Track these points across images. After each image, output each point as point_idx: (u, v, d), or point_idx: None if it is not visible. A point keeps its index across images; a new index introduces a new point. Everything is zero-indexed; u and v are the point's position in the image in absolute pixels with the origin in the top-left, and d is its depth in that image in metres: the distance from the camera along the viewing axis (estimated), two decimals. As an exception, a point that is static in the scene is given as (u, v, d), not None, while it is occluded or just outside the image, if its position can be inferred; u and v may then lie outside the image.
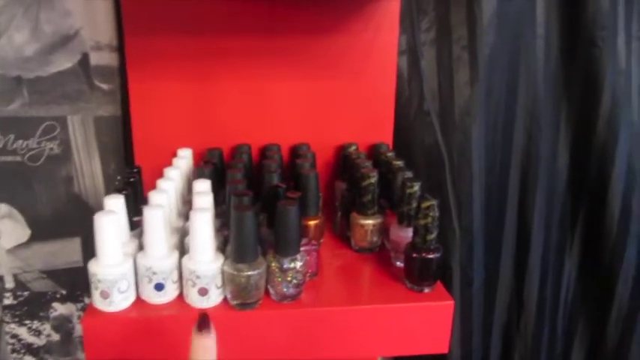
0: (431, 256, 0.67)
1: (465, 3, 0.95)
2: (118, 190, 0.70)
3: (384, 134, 0.94)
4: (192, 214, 0.62)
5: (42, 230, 1.01)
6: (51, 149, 0.98)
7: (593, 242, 1.05)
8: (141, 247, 0.67)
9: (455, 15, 0.96)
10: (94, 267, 0.62)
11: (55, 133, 0.97)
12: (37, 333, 1.06)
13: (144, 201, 0.75)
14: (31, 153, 0.97)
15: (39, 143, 0.97)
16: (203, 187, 0.71)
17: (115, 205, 0.65)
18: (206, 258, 0.63)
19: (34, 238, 1.01)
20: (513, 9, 0.96)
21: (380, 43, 0.91)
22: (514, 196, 1.04)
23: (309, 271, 0.70)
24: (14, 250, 1.01)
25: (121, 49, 0.93)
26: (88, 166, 0.99)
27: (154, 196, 0.67)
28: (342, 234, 0.83)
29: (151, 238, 0.63)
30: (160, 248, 0.63)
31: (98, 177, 1.00)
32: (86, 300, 1.06)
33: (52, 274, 1.03)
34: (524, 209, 1.04)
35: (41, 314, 1.05)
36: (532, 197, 1.03)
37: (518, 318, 1.11)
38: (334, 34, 0.89)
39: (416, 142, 0.99)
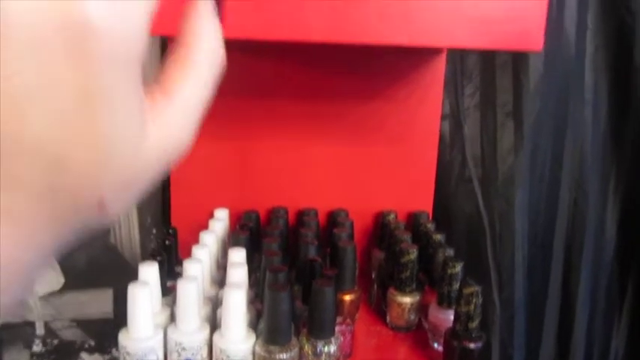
0: (472, 345, 0.63)
1: (511, 69, 0.93)
2: (153, 256, 0.69)
3: (424, 202, 0.92)
4: (226, 291, 0.60)
5: (76, 279, 1.01)
6: (90, 200, 0.98)
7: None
8: (172, 317, 0.66)
9: (500, 81, 0.94)
10: (124, 339, 0.60)
11: (94, 184, 0.98)
12: (64, 382, 1.05)
13: (179, 262, 0.74)
14: (70, 203, 0.98)
15: (79, 193, 0.97)
16: (238, 258, 0.69)
17: (149, 273, 0.65)
18: (237, 337, 0.61)
19: (67, 287, 1.01)
20: (560, 75, 0.94)
21: (423, 109, 0.90)
22: (558, 267, 0.99)
23: (344, 352, 0.67)
24: (47, 297, 1.01)
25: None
26: (125, 219, 1.00)
27: (188, 266, 0.66)
28: (378, 308, 0.81)
29: (183, 312, 0.62)
30: (192, 323, 0.62)
31: (134, 229, 1.00)
32: (114, 352, 1.05)
33: (82, 323, 1.03)
34: (568, 282, 1.00)
35: (68, 363, 1.05)
36: (577, 269, 0.99)
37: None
38: (377, 99, 0.88)
39: (457, 209, 0.96)
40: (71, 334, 1.03)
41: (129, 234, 1.00)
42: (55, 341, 1.03)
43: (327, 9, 0.53)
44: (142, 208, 0.99)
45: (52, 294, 1.01)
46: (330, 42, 0.53)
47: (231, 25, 0.53)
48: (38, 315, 1.02)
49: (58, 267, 1.00)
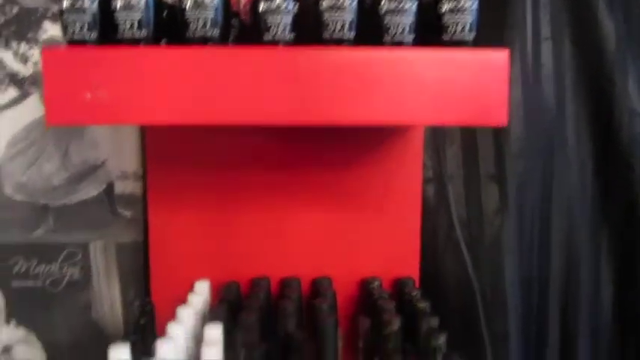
0: None
1: (492, 132, 0.93)
2: (125, 336, 0.67)
3: (409, 267, 0.90)
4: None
5: (57, 357, 0.98)
6: (72, 275, 0.97)
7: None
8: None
9: (481, 143, 0.94)
10: None
11: (76, 259, 0.96)
12: None
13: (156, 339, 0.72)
14: (52, 278, 0.96)
15: (60, 269, 0.96)
16: (213, 335, 0.67)
17: (120, 355, 0.62)
18: (210, 421, 0.58)
19: (49, 365, 0.98)
20: (543, 136, 0.93)
21: (403, 173, 0.89)
22: (555, 335, 0.96)
23: None
24: (28, 376, 0.98)
25: (145, 177, 0.94)
26: (108, 293, 0.98)
27: (161, 348, 0.64)
28: (364, 381, 0.77)
29: (152, 397, 0.59)
30: (162, 408, 0.59)
31: (117, 304, 0.98)
32: None
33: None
34: (567, 349, 0.96)
35: None
36: (574, 335, 0.95)
37: None
38: (355, 165, 0.88)
39: (446, 274, 0.94)
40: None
41: (111, 308, 0.98)
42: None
43: (286, 92, 0.53)
44: (125, 281, 0.97)
45: (33, 373, 0.98)
46: (291, 124, 0.53)
47: (196, 112, 0.54)
48: (18, 396, 0.98)
49: (39, 344, 0.97)
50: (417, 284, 0.89)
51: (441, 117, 0.54)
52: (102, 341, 0.97)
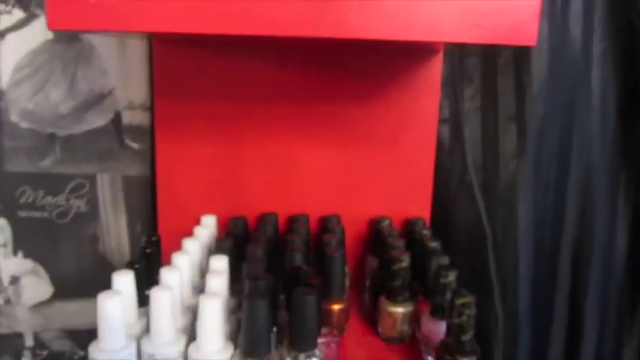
0: (465, 359, 0.59)
1: (513, 71, 0.89)
2: (130, 264, 0.66)
3: (421, 208, 0.88)
4: (202, 300, 0.57)
5: (65, 289, 0.98)
6: (78, 207, 0.96)
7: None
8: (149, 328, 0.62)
9: (502, 83, 0.90)
10: (93, 351, 0.57)
11: (83, 191, 0.95)
12: (53, 394, 1.02)
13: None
14: (59, 210, 0.95)
15: (67, 200, 0.95)
16: (219, 265, 0.66)
17: (123, 282, 0.62)
18: (213, 349, 0.57)
19: (56, 297, 0.98)
20: (566, 77, 0.89)
21: (419, 111, 0.86)
22: (565, 279, 0.94)
23: (329, 365, 0.63)
24: (36, 308, 0.98)
25: (153, 109, 0.91)
26: (115, 226, 0.97)
27: (165, 275, 0.63)
28: (370, 318, 0.77)
29: (156, 323, 0.59)
30: (166, 334, 0.59)
31: (124, 237, 0.98)
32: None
33: (72, 334, 1.00)
34: (576, 294, 0.94)
35: (58, 375, 1.02)
36: (585, 281, 0.93)
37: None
38: (370, 100, 0.85)
39: (458, 217, 0.92)
40: (60, 344, 1.00)
41: (118, 242, 0.98)
42: (45, 352, 1.00)
43: (306, 2, 0.50)
44: (132, 215, 0.97)
45: (40, 304, 0.98)
46: (309, 36, 0.50)
47: (206, 19, 0.51)
48: (27, 326, 0.99)
49: (46, 276, 0.98)
50: (428, 225, 0.88)
51: (468, 35, 0.50)
52: (109, 274, 0.98)
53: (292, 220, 0.85)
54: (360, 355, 0.69)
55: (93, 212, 0.96)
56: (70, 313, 0.99)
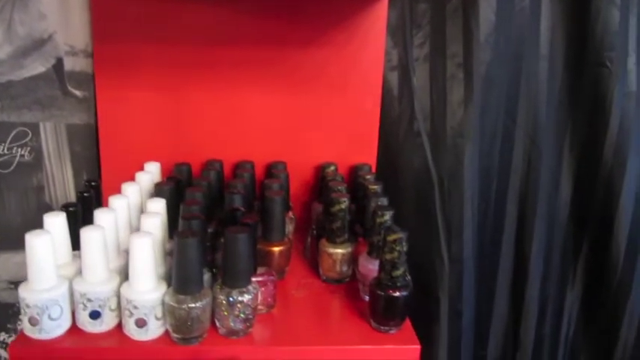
0: (397, 294, 0.60)
1: (462, 17, 0.89)
2: (65, 206, 0.65)
3: (367, 155, 0.88)
4: (132, 238, 0.57)
5: (11, 240, 0.97)
6: (22, 156, 0.93)
7: (598, 275, 0.97)
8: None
9: (450, 29, 0.90)
10: (23, 291, 0.57)
11: (26, 140, 0.93)
12: (4, 345, 1.02)
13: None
14: (1, 159, 0.93)
15: (10, 149, 0.93)
16: (155, 207, 0.65)
17: (54, 223, 0.61)
18: (145, 287, 0.57)
19: (2, 248, 0.97)
20: (514, 26, 0.89)
21: (365, 56, 0.85)
22: (511, 224, 0.96)
23: (266, 303, 0.64)
24: (-18, 260, 0.97)
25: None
26: (60, 176, 0.95)
27: (98, 215, 0.62)
28: (313, 261, 0.77)
29: (87, 262, 0.58)
30: (97, 273, 0.58)
31: (70, 187, 0.96)
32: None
33: (19, 285, 0.99)
34: (522, 239, 0.97)
35: (8, 326, 1.01)
36: (531, 226, 0.96)
37: (513, 355, 1.03)
38: (315, 45, 0.84)
39: (404, 164, 0.92)
40: (8, 296, 1.00)
41: (64, 192, 0.96)
42: (-7, 304, 1.00)
43: None
44: (78, 164, 0.95)
45: (-14, 255, 0.97)
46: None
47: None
48: (-26, 278, 0.98)
49: (-8, 228, 0.96)
50: (374, 171, 0.88)
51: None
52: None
53: (237, 167, 0.84)
54: (299, 294, 0.70)
55: (37, 162, 0.94)
56: (17, 264, 0.98)
